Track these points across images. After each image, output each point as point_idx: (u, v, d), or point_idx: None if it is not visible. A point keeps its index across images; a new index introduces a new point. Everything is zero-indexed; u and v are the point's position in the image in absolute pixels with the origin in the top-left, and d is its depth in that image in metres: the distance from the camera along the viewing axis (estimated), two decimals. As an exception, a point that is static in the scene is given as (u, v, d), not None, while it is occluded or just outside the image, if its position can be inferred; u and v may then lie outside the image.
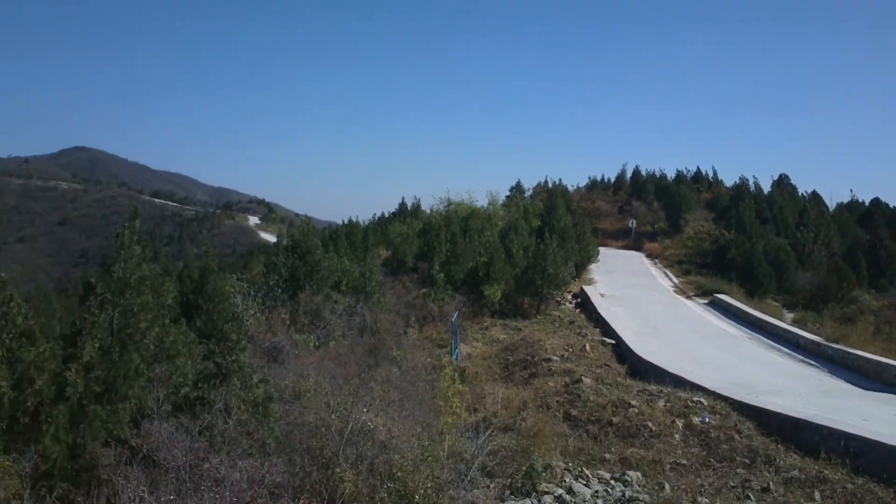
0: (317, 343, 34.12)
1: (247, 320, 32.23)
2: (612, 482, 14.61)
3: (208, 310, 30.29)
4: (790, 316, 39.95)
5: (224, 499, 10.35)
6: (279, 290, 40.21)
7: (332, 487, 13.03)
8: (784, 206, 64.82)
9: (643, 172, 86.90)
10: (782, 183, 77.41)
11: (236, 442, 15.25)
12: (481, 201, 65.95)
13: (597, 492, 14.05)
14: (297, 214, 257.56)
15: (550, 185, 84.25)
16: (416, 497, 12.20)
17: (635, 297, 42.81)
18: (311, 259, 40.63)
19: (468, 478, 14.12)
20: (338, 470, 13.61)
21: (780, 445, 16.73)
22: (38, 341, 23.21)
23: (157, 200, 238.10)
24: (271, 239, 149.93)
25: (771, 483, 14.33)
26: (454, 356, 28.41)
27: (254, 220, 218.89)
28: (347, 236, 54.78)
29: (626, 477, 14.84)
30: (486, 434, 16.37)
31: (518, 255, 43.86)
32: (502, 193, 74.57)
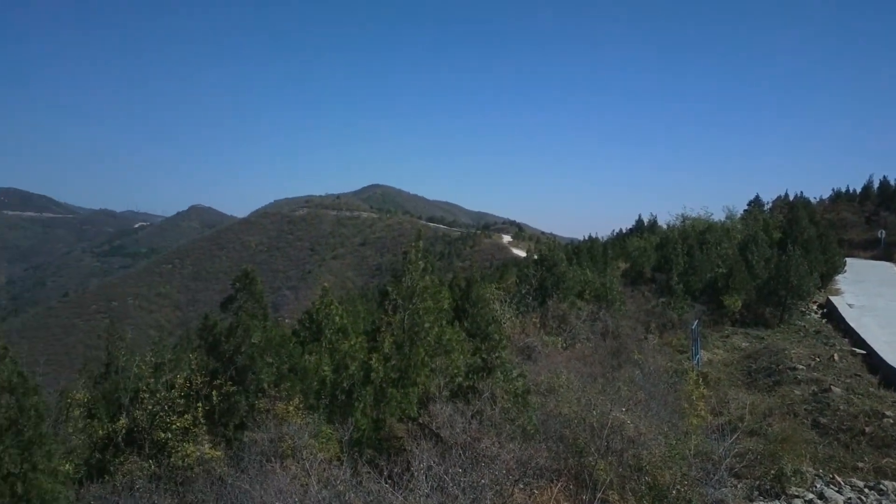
0: (564, 344, 34.07)
1: (504, 323, 33.09)
2: (867, 490, 12.63)
3: (473, 314, 31.66)
4: None
5: (497, 474, 10.62)
6: (530, 298, 40.87)
7: (586, 474, 12.81)
8: None
9: (892, 182, 74.21)
10: None
11: (501, 426, 15.67)
12: (717, 216, 61.42)
13: (850, 499, 12.26)
14: (543, 232, 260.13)
15: (791, 198, 75.32)
16: (667, 490, 11.57)
17: (886, 307, 36.66)
18: (557, 271, 40.70)
19: (716, 477, 13.12)
20: (590, 459, 13.35)
21: None
22: (350, 336, 25.88)
23: (431, 224, 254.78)
24: (521, 254, 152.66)
25: None
26: (695, 361, 26.64)
27: (507, 238, 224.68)
28: (589, 250, 53.94)
29: (881, 486, 12.71)
30: (733, 437, 15.07)
31: (758, 267, 39.94)
32: (739, 208, 68.37)
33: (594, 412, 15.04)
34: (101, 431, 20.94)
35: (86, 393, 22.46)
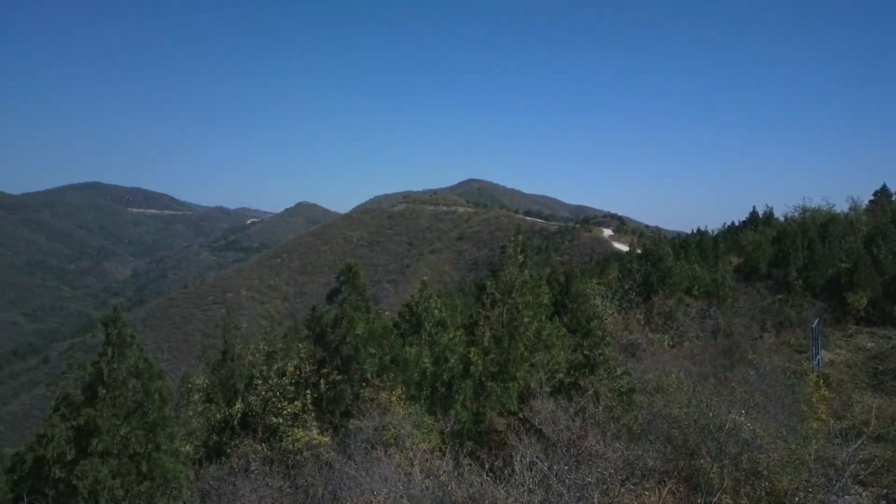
0: (671, 342, 32.83)
1: (606, 319, 32.28)
2: None
3: (573, 309, 31.11)
4: None
5: (603, 473, 10.36)
6: (633, 294, 39.68)
7: (699, 477, 12.27)
8: None
9: None
10: None
11: (605, 425, 15.30)
12: (840, 207, 57.02)
13: None
14: (646, 226, 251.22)
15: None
16: (786, 496, 10.87)
17: None
18: (664, 266, 39.24)
19: (839, 484, 12.19)
20: (702, 462, 12.78)
21: None
22: (448, 329, 26.12)
23: (528, 218, 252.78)
24: (623, 248, 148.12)
25: None
26: (815, 362, 24.94)
27: (607, 232, 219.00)
28: (698, 244, 51.59)
29: None
30: (858, 442, 13.95)
31: (886, 262, 36.82)
32: (865, 198, 63.12)
33: (707, 413, 14.37)
34: (218, 415, 22.34)
35: (205, 379, 24.02)
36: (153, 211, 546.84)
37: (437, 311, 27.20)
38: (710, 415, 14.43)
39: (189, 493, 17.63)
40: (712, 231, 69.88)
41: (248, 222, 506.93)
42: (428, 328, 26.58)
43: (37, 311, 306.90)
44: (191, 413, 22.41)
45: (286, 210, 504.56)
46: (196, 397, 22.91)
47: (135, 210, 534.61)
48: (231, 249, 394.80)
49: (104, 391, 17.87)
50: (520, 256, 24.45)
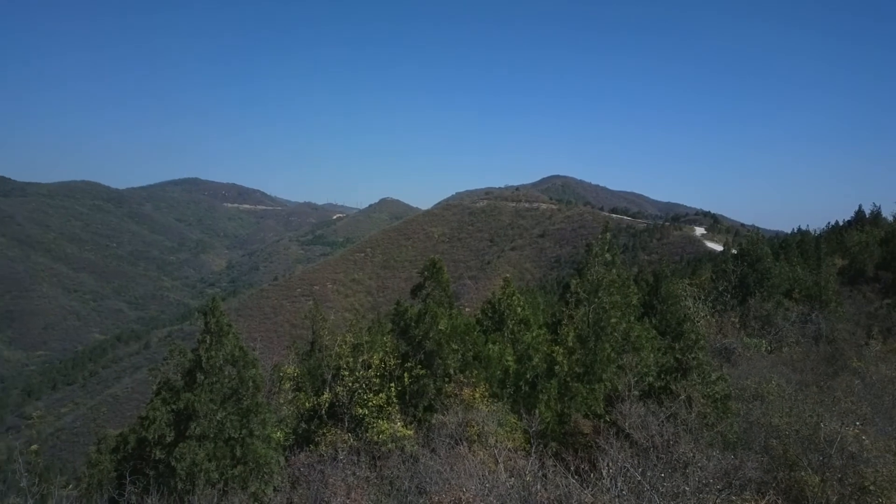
0: (768, 347, 31.19)
1: (698, 321, 31.05)
2: None
3: (662, 310, 30.10)
4: None
5: (699, 481, 9.95)
6: (728, 296, 38.09)
7: (797, 490, 11.57)
8: None
9: None
10: None
11: (699, 432, 14.71)
12: (960, 201, 52.38)
13: None
14: (742, 224, 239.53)
15: None
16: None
17: None
18: (761, 267, 37.39)
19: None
20: (803, 474, 12.05)
21: None
22: (531, 327, 25.83)
23: (613, 215, 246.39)
24: (717, 248, 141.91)
25: None
26: (932, 373, 22.96)
27: (699, 231, 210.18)
28: (798, 245, 48.78)
29: None
30: None
31: None
32: None
33: (809, 423, 13.54)
34: (307, 404, 23.11)
35: (294, 368, 24.92)
36: (247, 206, 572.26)
37: (519, 309, 27.02)
38: (813, 425, 13.60)
39: (280, 478, 18.32)
40: (814, 231, 65.90)
41: (335, 217, 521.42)
42: (510, 326, 26.44)
43: (139, 299, 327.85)
44: (281, 401, 23.30)
45: (370, 206, 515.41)
46: (287, 386, 23.80)
47: (230, 205, 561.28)
48: (318, 244, 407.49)
49: (202, 377, 18.83)
50: (607, 255, 23.88)
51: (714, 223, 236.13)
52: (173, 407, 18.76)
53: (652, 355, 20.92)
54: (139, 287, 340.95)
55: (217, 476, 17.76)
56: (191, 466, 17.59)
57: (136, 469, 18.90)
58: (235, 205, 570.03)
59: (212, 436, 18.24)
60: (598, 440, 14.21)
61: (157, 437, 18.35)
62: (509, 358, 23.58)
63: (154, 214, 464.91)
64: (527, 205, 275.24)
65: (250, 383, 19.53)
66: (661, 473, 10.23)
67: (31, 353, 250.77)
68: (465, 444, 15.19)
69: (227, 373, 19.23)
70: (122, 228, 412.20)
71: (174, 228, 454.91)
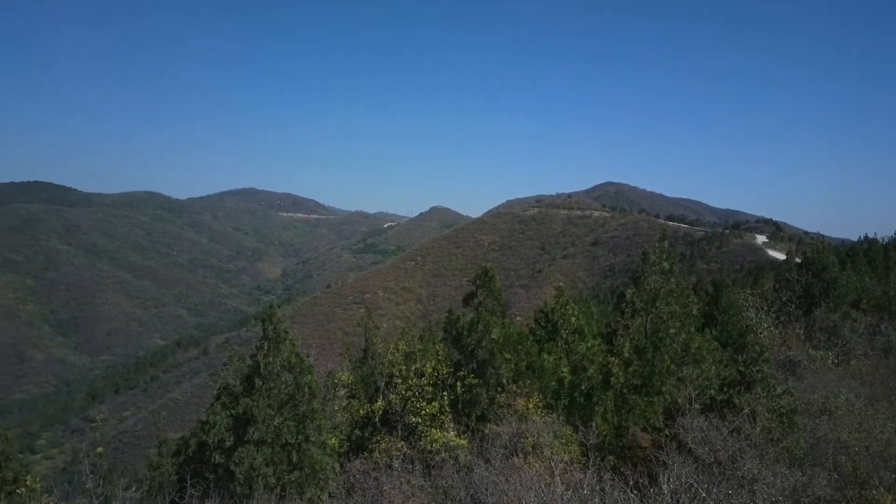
0: (835, 360, 29.92)
1: (761, 333, 30.07)
2: None
3: (723, 321, 29.22)
4: None
5: (766, 499, 9.61)
6: (792, 306, 36.79)
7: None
8: None
9: None
10: None
11: (764, 447, 14.21)
12: None
13: None
14: (805, 232, 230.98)
15: None
16: None
17: None
18: (827, 276, 35.95)
19: None
20: (874, 492, 11.50)
21: None
22: (586, 337, 25.48)
23: (670, 223, 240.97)
24: (780, 256, 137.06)
25: None
26: None
27: (761, 239, 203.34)
28: (866, 253, 46.75)
29: None
30: None
31: None
32: None
33: (881, 439, 12.93)
34: (360, 411, 23.34)
35: (349, 375, 25.24)
36: (301, 215, 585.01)
37: (573, 319, 26.66)
38: (885, 441, 12.98)
39: (335, 484, 18.55)
40: (883, 239, 62.94)
41: (385, 226, 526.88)
42: (564, 336, 26.11)
43: (198, 305, 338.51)
44: (336, 407, 23.63)
45: (421, 214, 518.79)
46: (341, 393, 24.12)
47: (285, 214, 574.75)
48: (369, 252, 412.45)
49: (260, 382, 19.26)
50: (665, 263, 23.37)
51: (776, 231, 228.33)
52: (232, 412, 19.23)
53: (713, 367, 20.30)
54: (198, 294, 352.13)
55: (274, 481, 18.11)
56: (249, 471, 17.99)
57: (197, 472, 19.43)
58: (290, 214, 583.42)
59: (269, 441, 18.61)
60: (657, 454, 13.88)
61: (216, 441, 18.83)
62: (564, 369, 23.29)
63: (212, 224, 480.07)
64: (579, 212, 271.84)
65: (306, 389, 19.87)
66: (727, 490, 9.92)
67: (96, 357, 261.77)
68: (520, 455, 15.07)
69: (283, 379, 19.61)
70: (182, 237, 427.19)
71: (231, 237, 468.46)
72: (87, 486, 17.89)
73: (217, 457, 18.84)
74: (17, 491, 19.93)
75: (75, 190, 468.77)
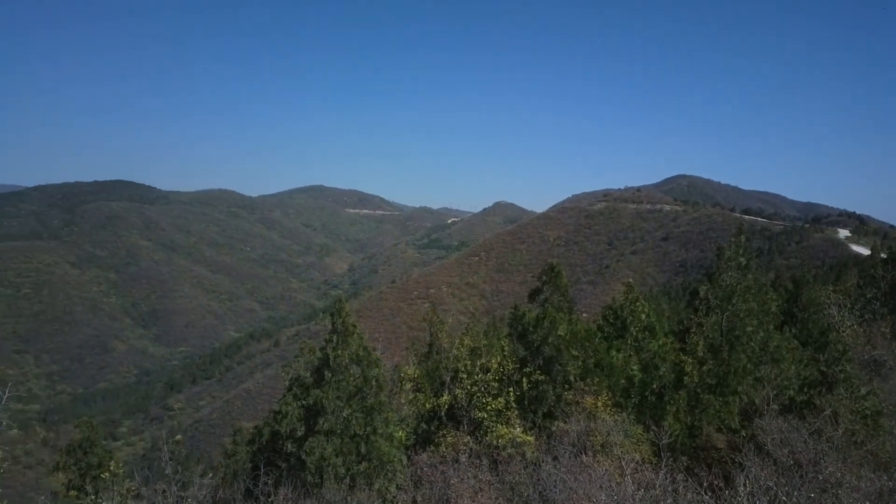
0: (928, 361, 28.12)
1: (844, 331, 28.63)
2: None
3: (803, 319, 27.98)
4: None
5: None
6: (877, 304, 34.89)
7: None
8: None
9: None
10: None
11: (847, 450, 13.52)
12: None
13: None
14: (892, 226, 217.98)
15: None
16: None
17: None
18: (919, 272, 33.82)
19: None
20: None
21: None
22: (657, 335, 24.89)
23: (746, 217, 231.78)
24: (864, 252, 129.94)
25: None
26: None
27: (843, 233, 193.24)
28: (962, 247, 43.64)
29: None
30: None
31: None
32: None
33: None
34: (427, 405, 23.58)
35: (414, 369, 25.52)
36: (366, 211, 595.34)
37: (644, 316, 26.06)
38: None
39: (402, 477, 18.82)
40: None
41: (449, 221, 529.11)
42: (634, 333, 25.56)
43: (270, 299, 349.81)
44: (402, 401, 23.95)
45: (484, 209, 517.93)
46: (407, 386, 24.43)
47: (351, 210, 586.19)
48: (433, 247, 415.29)
49: (329, 375, 19.74)
50: (741, 259, 22.52)
51: (860, 225, 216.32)
52: (303, 402, 19.79)
53: (793, 367, 19.46)
54: (269, 288, 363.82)
55: (344, 471, 18.52)
56: (319, 460, 18.46)
57: (270, 461, 20.09)
58: (356, 210, 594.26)
59: (338, 431, 19.06)
60: (733, 456, 13.44)
61: (288, 430, 19.42)
62: (634, 367, 22.82)
63: (283, 220, 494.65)
64: (649, 206, 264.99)
65: (374, 382, 20.23)
66: (808, 494, 9.51)
67: (174, 349, 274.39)
68: (589, 453, 14.88)
69: (352, 371, 20.02)
70: (254, 233, 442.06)
71: (301, 233, 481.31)
72: (167, 472, 18.70)
73: (289, 446, 19.42)
74: (102, 476, 21.11)
75: (155, 188, 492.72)
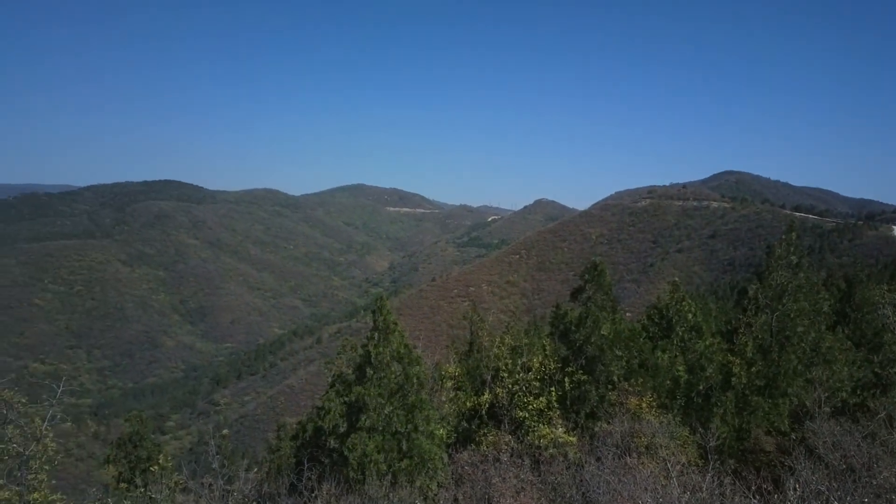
0: None
1: (900, 333, 27.55)
2: None
3: (857, 319, 27.04)
4: None
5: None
6: (939, 304, 33.27)
7: None
8: None
9: None
10: None
11: (906, 457, 13.00)
12: None
13: None
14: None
15: None
16: None
17: None
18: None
19: None
20: None
21: None
22: (703, 335, 24.39)
23: (797, 214, 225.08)
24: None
25: None
26: None
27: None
28: None
29: None
30: None
31: None
32: None
33: None
34: (467, 403, 23.60)
35: (455, 367, 25.57)
36: (407, 209, 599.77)
37: (690, 316, 25.55)
38: None
39: (444, 475, 18.88)
40: None
41: (489, 219, 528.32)
42: (680, 333, 25.09)
43: (312, 297, 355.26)
44: (443, 399, 24.01)
45: (525, 207, 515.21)
46: (448, 384, 24.49)
47: (391, 209, 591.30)
48: (473, 245, 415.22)
49: (371, 372, 19.93)
50: (792, 257, 21.87)
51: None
52: (346, 399, 20.02)
53: (846, 368, 18.81)
54: (312, 286, 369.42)
55: (385, 468, 18.67)
56: (361, 457, 18.65)
57: (313, 456, 20.38)
58: (396, 209, 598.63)
59: (380, 428, 19.22)
60: (783, 459, 13.08)
61: (331, 426, 19.67)
62: (680, 367, 22.39)
63: (325, 218, 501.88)
64: (695, 203, 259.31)
65: (415, 380, 20.33)
66: (862, 499, 9.19)
67: (220, 345, 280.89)
68: (633, 455, 14.67)
69: (393, 369, 20.16)
70: (297, 232, 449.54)
71: (342, 231, 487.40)
72: (213, 465, 19.16)
73: (332, 442, 19.66)
74: (151, 469, 21.76)
75: (202, 188, 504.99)
